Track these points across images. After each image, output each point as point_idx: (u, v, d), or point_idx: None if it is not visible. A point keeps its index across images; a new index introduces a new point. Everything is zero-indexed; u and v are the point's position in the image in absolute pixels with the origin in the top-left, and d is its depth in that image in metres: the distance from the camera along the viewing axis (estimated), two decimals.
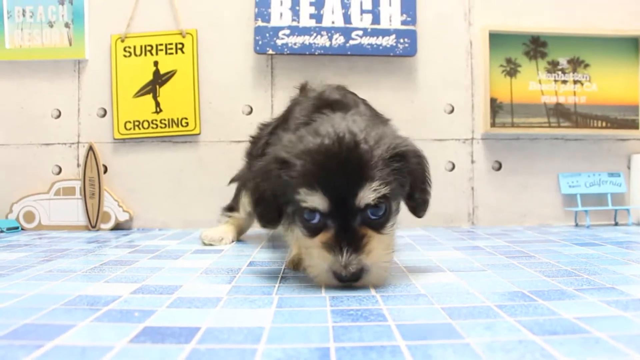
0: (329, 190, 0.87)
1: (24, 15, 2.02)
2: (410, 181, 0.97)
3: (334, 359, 0.57)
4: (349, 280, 0.87)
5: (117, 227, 1.98)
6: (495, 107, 2.02)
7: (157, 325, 0.71)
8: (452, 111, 2.04)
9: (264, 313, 0.77)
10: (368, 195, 0.88)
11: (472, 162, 2.04)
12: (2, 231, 1.89)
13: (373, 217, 0.91)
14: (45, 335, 0.66)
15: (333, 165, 0.88)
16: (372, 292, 0.89)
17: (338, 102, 1.14)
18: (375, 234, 0.91)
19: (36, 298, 0.87)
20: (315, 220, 0.90)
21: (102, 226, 1.96)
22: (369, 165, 0.89)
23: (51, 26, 2.02)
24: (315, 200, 0.88)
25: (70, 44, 2.01)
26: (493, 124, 2.01)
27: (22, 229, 1.98)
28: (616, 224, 2.02)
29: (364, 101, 1.31)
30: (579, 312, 0.75)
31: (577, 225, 2.01)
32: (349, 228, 0.88)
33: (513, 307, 0.78)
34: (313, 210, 0.90)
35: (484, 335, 0.65)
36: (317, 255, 0.90)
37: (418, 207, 1.01)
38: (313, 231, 0.92)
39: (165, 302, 0.84)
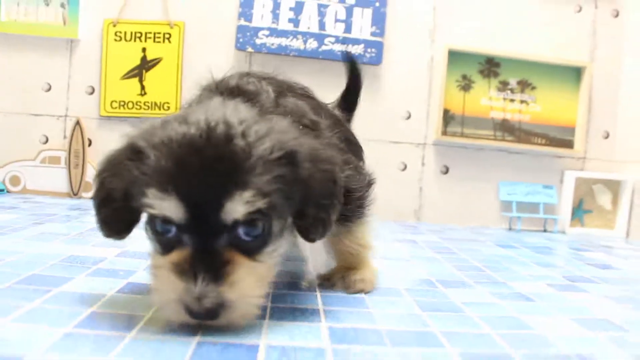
0: (187, 195, 0.65)
1: None
2: (303, 193, 0.72)
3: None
4: (204, 318, 0.66)
5: None
6: (448, 117, 2.25)
7: (138, 281, 0.91)
8: (409, 117, 2.25)
9: None
10: (237, 207, 0.65)
11: (423, 164, 2.25)
12: None
13: (245, 238, 0.68)
14: (51, 283, 0.86)
15: (196, 164, 0.65)
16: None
17: (234, 90, 0.90)
18: (246, 260, 0.68)
19: (36, 255, 1.05)
20: (170, 234, 0.68)
21: (84, 195, 2.13)
22: (243, 167, 0.66)
23: (47, 4, 2.16)
24: (166, 206, 0.66)
25: (65, 24, 2.16)
26: (444, 132, 2.23)
27: (7, 192, 2.14)
28: (545, 231, 2.27)
29: (299, 91, 1.02)
30: (465, 298, 0.95)
31: (510, 229, 2.25)
32: (211, 249, 0.67)
33: (417, 291, 0.99)
34: (167, 221, 0.67)
35: (386, 308, 0.86)
36: (165, 281, 0.67)
37: (310, 228, 0.75)
38: (166, 247, 0.70)
39: (144, 264, 1.03)
